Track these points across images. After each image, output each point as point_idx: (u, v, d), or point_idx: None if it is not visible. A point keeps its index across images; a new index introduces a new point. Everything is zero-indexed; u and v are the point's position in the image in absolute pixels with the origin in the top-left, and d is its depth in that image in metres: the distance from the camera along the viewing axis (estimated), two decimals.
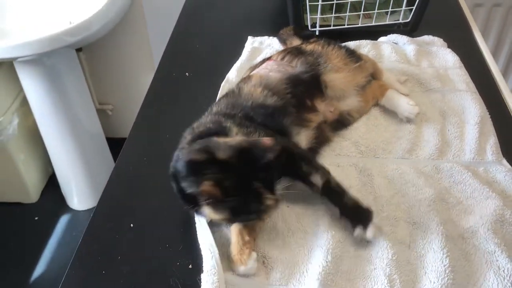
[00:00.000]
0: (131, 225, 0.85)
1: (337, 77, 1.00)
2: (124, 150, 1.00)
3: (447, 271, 0.73)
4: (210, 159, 0.74)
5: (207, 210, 0.75)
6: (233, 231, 0.80)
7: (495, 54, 1.90)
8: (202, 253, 0.78)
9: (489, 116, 1.03)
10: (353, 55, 1.06)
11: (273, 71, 0.98)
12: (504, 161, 0.94)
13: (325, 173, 0.84)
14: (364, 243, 0.80)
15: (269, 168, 0.76)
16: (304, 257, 0.79)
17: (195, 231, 0.82)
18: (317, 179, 0.83)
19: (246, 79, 0.98)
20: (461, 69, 1.15)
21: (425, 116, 1.03)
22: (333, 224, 0.82)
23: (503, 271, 0.74)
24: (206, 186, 0.72)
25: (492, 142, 0.97)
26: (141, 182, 0.94)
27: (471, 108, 1.04)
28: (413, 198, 0.86)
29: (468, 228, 0.81)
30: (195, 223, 0.83)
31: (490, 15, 1.79)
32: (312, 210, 0.85)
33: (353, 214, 0.81)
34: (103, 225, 0.86)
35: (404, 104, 1.03)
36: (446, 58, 1.18)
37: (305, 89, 0.96)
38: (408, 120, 1.02)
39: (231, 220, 0.78)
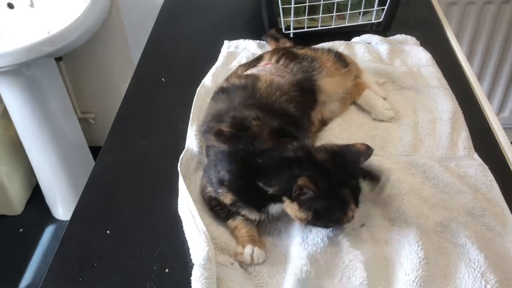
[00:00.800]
0: (108, 231, 0.85)
1: (331, 82, 1.02)
2: (100, 157, 1.00)
3: (422, 263, 0.75)
4: (307, 158, 0.76)
5: (290, 206, 0.76)
6: (242, 226, 0.82)
7: (471, 51, 1.93)
8: (193, 245, 0.78)
9: (461, 111, 1.05)
10: (342, 59, 1.07)
11: (275, 75, 0.99)
12: (476, 156, 0.95)
13: None
14: (340, 239, 0.81)
15: (358, 175, 0.78)
16: (281, 257, 0.80)
17: (172, 235, 0.82)
18: None
19: (251, 77, 0.97)
20: (433, 67, 1.16)
21: (398, 113, 1.05)
22: None
23: (474, 263, 0.75)
24: (305, 180, 0.72)
25: (464, 137, 0.99)
26: (117, 188, 0.94)
27: (444, 104, 1.06)
28: (387, 194, 0.87)
29: (441, 222, 0.82)
30: (171, 228, 0.83)
31: (464, 13, 1.82)
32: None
33: None
34: (80, 232, 0.86)
35: (380, 107, 1.05)
36: (418, 56, 1.20)
37: (308, 98, 0.98)
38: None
39: (309, 222, 0.78)
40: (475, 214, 0.84)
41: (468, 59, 1.91)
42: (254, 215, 0.82)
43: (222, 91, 0.97)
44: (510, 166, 0.95)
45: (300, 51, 1.07)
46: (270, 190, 0.77)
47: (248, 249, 0.78)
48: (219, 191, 0.82)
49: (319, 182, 0.73)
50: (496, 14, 1.83)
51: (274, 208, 0.80)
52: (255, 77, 0.97)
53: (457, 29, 1.86)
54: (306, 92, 0.98)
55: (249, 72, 1.02)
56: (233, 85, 0.97)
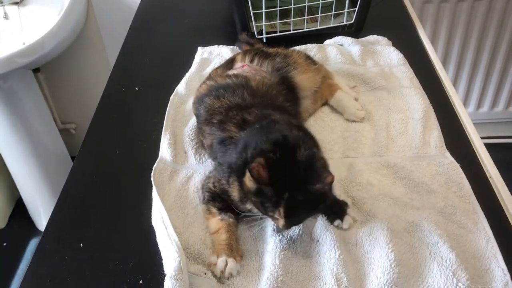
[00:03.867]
0: (81, 245, 0.84)
1: (305, 77, 1.03)
2: (73, 169, 1.00)
3: (392, 266, 0.75)
4: (285, 148, 0.76)
5: (247, 175, 0.75)
6: (224, 231, 0.81)
7: (447, 47, 1.94)
8: (166, 256, 0.78)
9: (433, 110, 1.05)
10: (310, 58, 1.10)
11: (256, 76, 0.99)
12: (447, 154, 0.96)
13: None
14: (311, 244, 0.81)
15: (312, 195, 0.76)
16: (256, 264, 0.80)
17: (146, 247, 0.82)
18: None
19: (240, 77, 0.97)
20: (405, 66, 1.17)
21: (371, 114, 1.05)
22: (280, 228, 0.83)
23: (446, 261, 0.76)
24: (262, 161, 0.73)
25: (435, 136, 1.00)
26: (90, 200, 0.93)
27: (415, 103, 1.06)
28: (359, 196, 0.88)
29: (412, 222, 0.83)
30: (145, 239, 0.83)
31: (439, 11, 1.83)
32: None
33: (332, 210, 0.83)
34: (53, 247, 0.85)
35: (352, 108, 1.05)
36: (390, 56, 1.21)
37: (294, 95, 1.00)
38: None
39: (247, 196, 0.77)
40: (446, 212, 0.84)
41: (445, 55, 1.94)
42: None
43: (221, 88, 0.94)
44: (481, 164, 0.95)
45: (271, 49, 1.08)
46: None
47: (221, 262, 0.77)
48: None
49: (274, 171, 0.72)
50: (470, 11, 1.84)
51: None
52: (244, 77, 0.97)
53: (433, 27, 1.87)
54: (290, 90, 0.99)
55: (230, 73, 1.02)
56: (229, 83, 0.95)
